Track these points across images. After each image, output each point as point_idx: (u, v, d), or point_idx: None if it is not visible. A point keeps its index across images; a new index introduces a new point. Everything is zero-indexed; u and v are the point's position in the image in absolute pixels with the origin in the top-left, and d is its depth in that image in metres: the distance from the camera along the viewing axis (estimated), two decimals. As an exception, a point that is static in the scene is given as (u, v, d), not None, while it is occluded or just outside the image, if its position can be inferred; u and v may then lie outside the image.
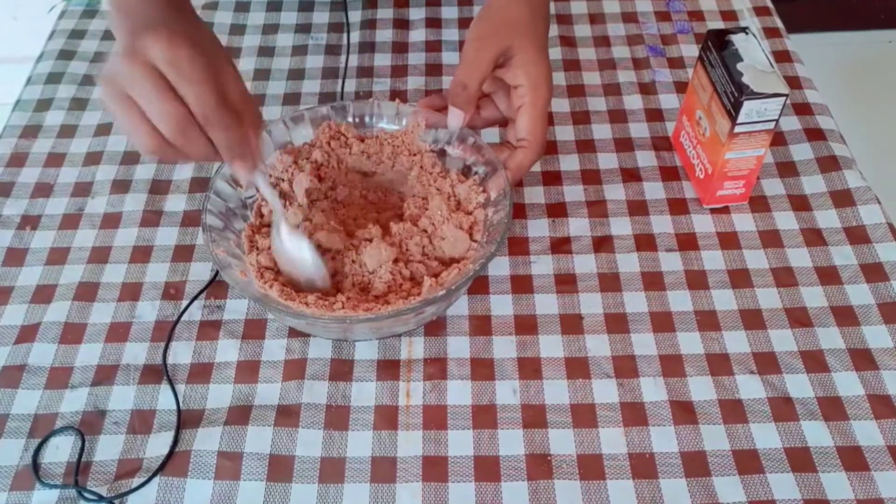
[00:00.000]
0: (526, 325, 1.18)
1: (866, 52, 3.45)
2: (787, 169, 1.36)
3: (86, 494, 1.03)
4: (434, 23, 1.66)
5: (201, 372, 1.14)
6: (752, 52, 1.20)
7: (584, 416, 1.08)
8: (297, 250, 1.14)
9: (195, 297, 1.22)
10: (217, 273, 1.23)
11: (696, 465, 1.04)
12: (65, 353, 1.16)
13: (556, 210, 1.31)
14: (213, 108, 0.94)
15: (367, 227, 1.19)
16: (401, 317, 1.06)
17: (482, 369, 1.13)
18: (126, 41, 0.97)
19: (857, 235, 1.26)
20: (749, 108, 1.16)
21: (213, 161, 1.04)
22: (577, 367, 1.13)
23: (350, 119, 1.30)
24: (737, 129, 1.18)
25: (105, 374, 1.14)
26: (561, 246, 1.26)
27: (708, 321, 1.17)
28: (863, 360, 1.13)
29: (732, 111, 1.17)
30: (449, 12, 1.68)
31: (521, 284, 1.22)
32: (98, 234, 1.31)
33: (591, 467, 1.04)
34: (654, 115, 1.46)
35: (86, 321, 1.20)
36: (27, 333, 1.19)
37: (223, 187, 1.19)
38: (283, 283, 1.13)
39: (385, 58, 1.59)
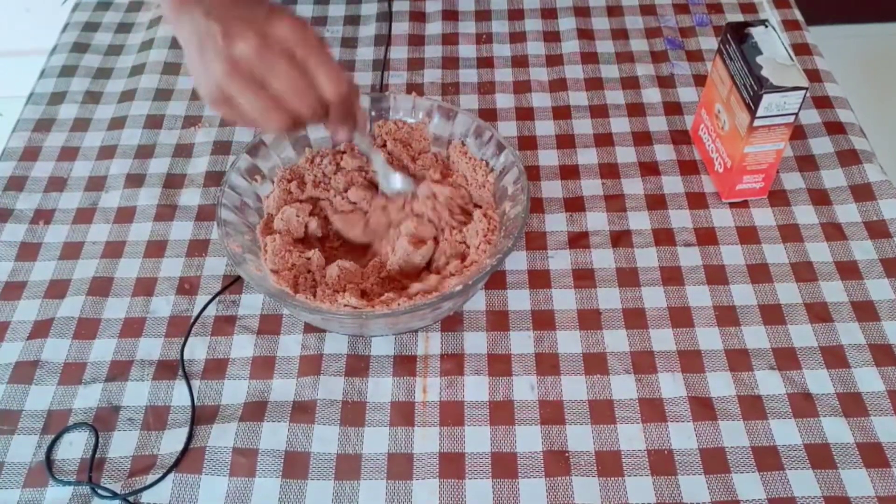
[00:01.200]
0: (543, 321, 1.17)
1: (887, 45, 3.43)
2: (806, 163, 1.35)
3: (99, 491, 1.02)
4: (451, 15, 1.65)
5: (216, 368, 1.14)
6: (772, 45, 1.18)
7: (602, 412, 1.08)
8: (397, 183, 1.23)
9: (216, 295, 1.21)
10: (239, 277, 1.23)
11: (715, 461, 1.03)
12: (78, 348, 1.16)
13: (574, 204, 1.30)
14: (344, 83, 0.99)
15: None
16: (417, 312, 1.05)
17: (499, 365, 1.13)
18: (236, 26, 0.96)
19: (877, 230, 1.25)
20: (768, 102, 1.15)
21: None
22: (595, 363, 1.12)
23: (367, 113, 1.29)
24: (756, 123, 1.17)
25: (119, 370, 1.14)
26: (579, 241, 1.26)
27: (727, 316, 1.17)
28: (883, 355, 1.12)
29: (752, 105, 1.16)
30: (466, 4, 1.67)
31: (539, 279, 1.21)
32: (112, 228, 1.30)
33: (609, 464, 1.03)
34: (673, 108, 1.45)
35: (99, 316, 1.19)
36: (40, 329, 1.18)
37: (238, 181, 1.18)
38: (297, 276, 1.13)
39: (401, 50, 1.58)
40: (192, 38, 0.99)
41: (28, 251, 1.28)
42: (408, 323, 1.12)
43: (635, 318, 1.17)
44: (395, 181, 1.22)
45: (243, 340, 1.16)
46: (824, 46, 1.57)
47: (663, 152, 1.38)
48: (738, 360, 1.12)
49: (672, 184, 1.33)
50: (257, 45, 0.94)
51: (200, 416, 1.09)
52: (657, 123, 1.43)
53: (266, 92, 0.96)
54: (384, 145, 1.29)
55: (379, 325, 1.11)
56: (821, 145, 1.37)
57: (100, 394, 1.11)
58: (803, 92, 1.14)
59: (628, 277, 1.21)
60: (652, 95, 1.48)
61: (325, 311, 1.06)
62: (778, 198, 1.30)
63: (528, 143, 1.40)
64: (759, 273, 1.21)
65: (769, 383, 1.10)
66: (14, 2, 3.18)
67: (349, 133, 1.09)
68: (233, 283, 1.22)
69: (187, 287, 1.22)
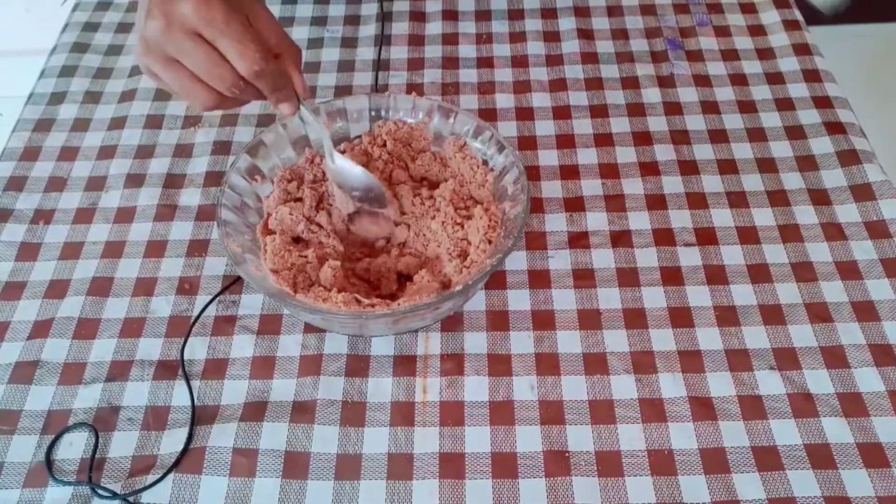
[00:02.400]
0: (543, 321, 1.17)
1: (887, 45, 3.42)
2: (806, 163, 1.35)
3: (99, 491, 1.02)
4: (451, 15, 1.65)
5: (216, 368, 1.13)
6: None
7: (602, 412, 1.08)
8: (351, 168, 1.19)
9: (216, 296, 1.21)
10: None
11: (715, 461, 1.03)
12: (78, 348, 1.16)
13: (574, 204, 1.30)
14: (256, 61, 0.99)
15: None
16: (417, 312, 1.05)
17: (499, 365, 1.13)
18: (153, 5, 0.98)
19: (877, 230, 1.25)
20: None
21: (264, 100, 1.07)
22: (595, 363, 1.12)
23: (367, 113, 1.30)
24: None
25: (119, 370, 1.14)
26: (579, 240, 1.26)
27: (727, 316, 1.16)
28: (883, 355, 1.12)
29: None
30: (466, 4, 1.67)
31: (539, 279, 1.21)
32: (112, 228, 1.30)
33: (609, 464, 1.03)
34: (673, 108, 1.45)
35: (99, 316, 1.19)
36: (40, 329, 1.18)
37: (238, 181, 1.18)
38: (297, 275, 1.13)
39: (401, 50, 1.58)
40: (137, 18, 1.02)
41: (28, 251, 1.28)
42: (408, 323, 1.12)
43: (635, 318, 1.17)
44: (344, 165, 1.20)
45: (243, 340, 1.16)
46: (824, 46, 1.56)
47: (663, 152, 1.37)
48: (739, 360, 1.12)
49: (672, 184, 1.33)
50: (162, 26, 0.96)
51: (200, 416, 1.09)
52: (657, 123, 1.42)
53: (183, 69, 0.99)
54: (384, 145, 1.29)
55: (379, 325, 1.11)
56: (821, 145, 1.37)
57: (100, 394, 1.11)
58: None
59: (628, 277, 1.21)
60: (652, 95, 1.47)
61: (324, 311, 1.06)
62: (778, 198, 1.30)
63: (528, 143, 1.40)
64: (760, 273, 1.21)
65: (769, 383, 1.09)
66: (14, 2, 3.18)
67: (292, 107, 1.09)
68: (233, 284, 1.22)
69: (187, 287, 1.22)
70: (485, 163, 1.24)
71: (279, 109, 1.09)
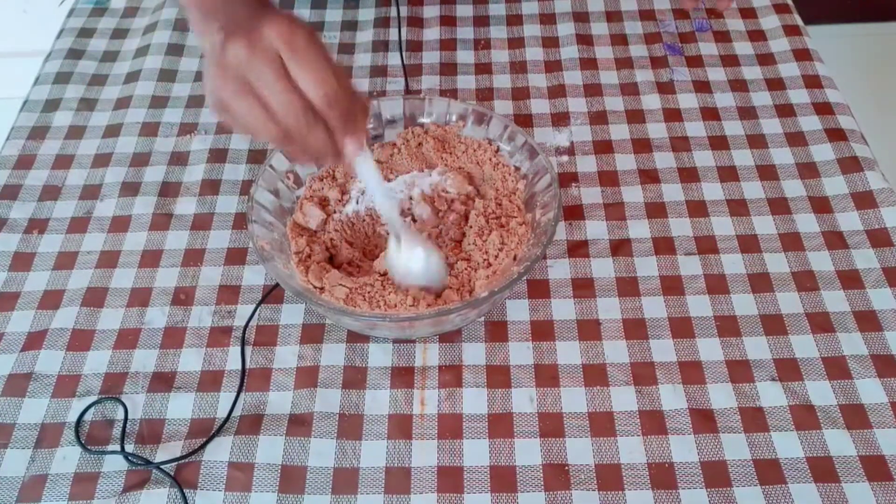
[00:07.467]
0: (542, 331, 1.16)
1: (886, 45, 3.41)
2: (807, 170, 1.34)
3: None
4: (449, 21, 1.64)
5: (211, 380, 1.13)
6: None
7: (602, 424, 1.07)
8: (417, 256, 1.14)
9: (259, 303, 1.21)
10: (271, 289, 1.23)
11: (716, 475, 1.02)
12: (72, 360, 1.15)
13: (573, 213, 1.30)
14: (330, 84, 0.92)
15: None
16: (444, 316, 1.06)
17: (498, 377, 1.12)
18: (229, 33, 0.93)
19: (879, 238, 1.24)
20: None
21: (328, 155, 0.99)
22: (595, 374, 1.11)
23: (401, 115, 1.32)
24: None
25: (113, 382, 1.13)
26: (578, 249, 1.25)
27: (728, 326, 1.16)
28: (886, 366, 1.11)
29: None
30: (464, 10, 1.66)
31: (538, 289, 1.21)
32: (107, 237, 1.29)
33: (609, 477, 1.02)
34: (673, 114, 1.44)
35: (94, 327, 1.18)
36: (34, 340, 1.17)
37: (264, 197, 1.20)
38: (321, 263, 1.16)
39: (398, 56, 1.57)
40: (209, 51, 0.98)
41: (22, 261, 1.27)
42: (443, 325, 1.12)
43: (635, 329, 1.16)
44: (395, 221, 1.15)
45: (239, 352, 1.15)
46: (825, 47, 1.56)
47: (663, 159, 1.37)
48: (739, 371, 1.11)
49: (672, 191, 1.32)
50: (246, 51, 0.90)
51: (196, 430, 1.08)
52: (657, 130, 1.42)
53: (255, 99, 0.93)
54: (420, 145, 1.30)
55: (384, 329, 1.13)
56: (822, 152, 1.36)
57: (94, 407, 1.10)
58: None
59: (628, 287, 1.20)
60: (651, 102, 1.47)
61: (364, 315, 1.08)
62: (779, 206, 1.29)
63: (526, 150, 1.39)
64: (760, 282, 1.20)
65: (770, 395, 1.09)
66: (12, 3, 3.18)
67: (358, 145, 1.01)
68: (272, 291, 1.22)
69: (182, 297, 1.21)
70: (516, 169, 1.25)
71: (345, 147, 1.01)
